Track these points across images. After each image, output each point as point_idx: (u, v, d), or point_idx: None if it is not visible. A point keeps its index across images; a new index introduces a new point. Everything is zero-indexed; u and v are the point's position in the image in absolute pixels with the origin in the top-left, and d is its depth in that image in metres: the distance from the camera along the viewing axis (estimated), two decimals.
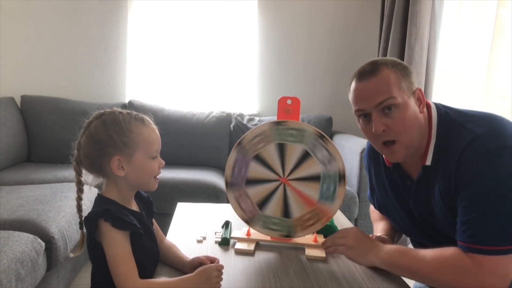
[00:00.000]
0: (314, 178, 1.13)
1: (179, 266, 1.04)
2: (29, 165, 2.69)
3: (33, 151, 2.82)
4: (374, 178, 1.24)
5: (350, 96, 1.08)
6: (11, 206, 1.74)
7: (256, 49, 3.21)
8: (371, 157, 1.24)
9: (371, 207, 1.35)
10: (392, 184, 1.16)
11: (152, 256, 1.03)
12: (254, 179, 1.16)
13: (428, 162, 1.03)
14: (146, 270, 0.98)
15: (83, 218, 0.95)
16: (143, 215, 1.02)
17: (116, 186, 0.97)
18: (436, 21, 2.61)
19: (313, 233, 1.22)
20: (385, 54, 2.80)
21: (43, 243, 1.54)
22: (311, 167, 1.13)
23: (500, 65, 2.36)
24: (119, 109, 0.98)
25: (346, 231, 1.12)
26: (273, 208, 1.17)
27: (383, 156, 1.16)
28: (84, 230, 0.98)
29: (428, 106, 1.07)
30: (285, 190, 1.16)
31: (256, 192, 1.17)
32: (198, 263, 1.00)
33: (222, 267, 0.96)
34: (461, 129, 0.99)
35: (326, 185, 1.13)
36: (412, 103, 1.02)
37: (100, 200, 0.97)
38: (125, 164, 0.94)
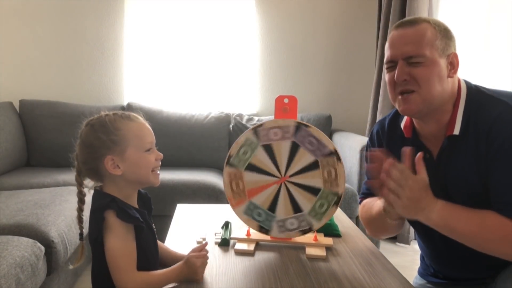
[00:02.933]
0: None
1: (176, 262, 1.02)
2: (28, 169, 2.69)
3: (32, 156, 2.82)
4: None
5: (386, 44, 1.09)
6: (10, 211, 1.73)
7: (254, 49, 3.21)
8: (385, 133, 1.21)
9: (362, 204, 1.29)
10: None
11: (153, 255, 1.02)
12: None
13: (456, 131, 1.03)
14: (148, 270, 0.97)
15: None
16: (145, 213, 1.02)
17: (116, 185, 0.97)
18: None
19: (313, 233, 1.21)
20: (383, 52, 2.78)
21: (42, 248, 1.54)
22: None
23: (497, 63, 2.37)
24: (106, 112, 1.00)
25: (406, 181, 0.96)
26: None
27: (401, 123, 1.16)
28: (84, 241, 0.98)
29: (457, 80, 1.08)
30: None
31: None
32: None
33: (206, 257, 0.98)
34: (492, 100, 1.02)
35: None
36: (442, 64, 1.03)
37: (100, 194, 0.97)
38: (119, 162, 0.95)
